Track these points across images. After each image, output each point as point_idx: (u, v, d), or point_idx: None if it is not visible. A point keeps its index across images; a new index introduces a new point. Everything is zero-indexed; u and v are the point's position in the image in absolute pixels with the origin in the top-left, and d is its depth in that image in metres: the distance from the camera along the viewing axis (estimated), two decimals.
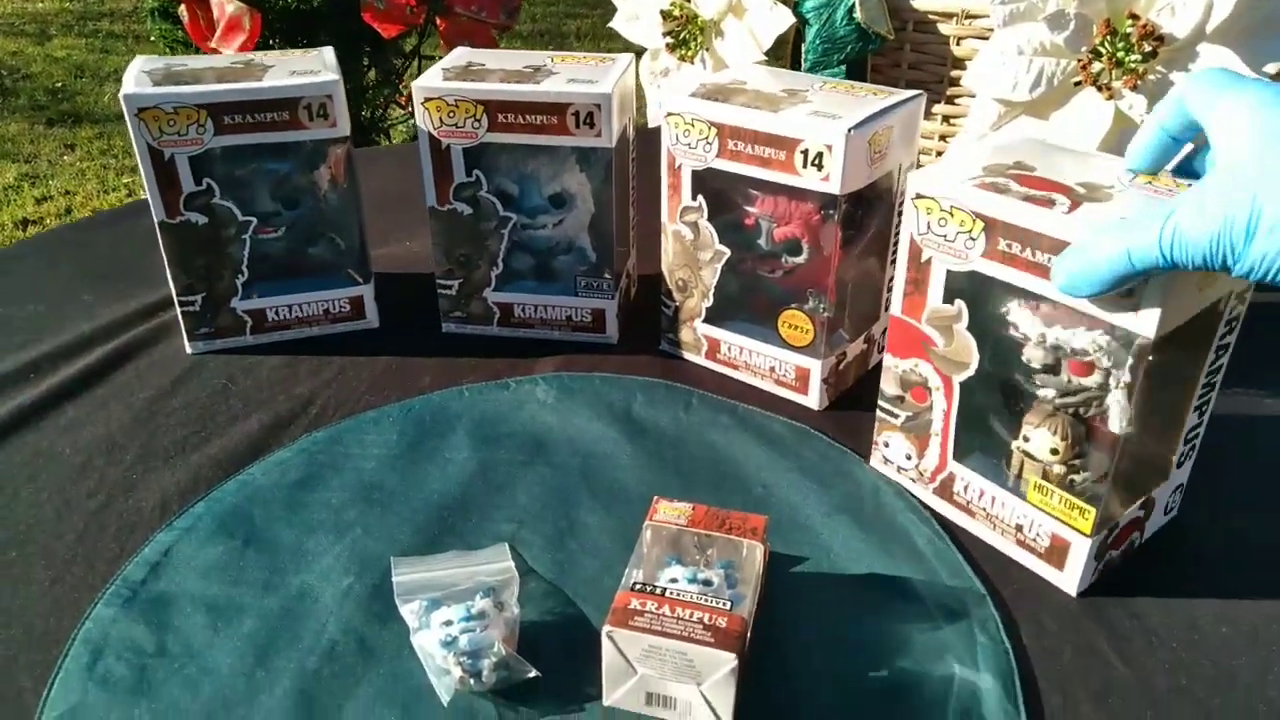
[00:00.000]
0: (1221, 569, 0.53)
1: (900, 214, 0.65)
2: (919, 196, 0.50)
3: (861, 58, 0.76)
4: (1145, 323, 0.44)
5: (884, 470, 0.59)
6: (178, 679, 0.46)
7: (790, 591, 0.51)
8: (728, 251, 0.65)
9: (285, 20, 1.61)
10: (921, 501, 0.57)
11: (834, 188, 0.58)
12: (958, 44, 0.75)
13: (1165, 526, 0.56)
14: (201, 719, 0.45)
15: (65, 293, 0.81)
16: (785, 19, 0.74)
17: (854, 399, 0.68)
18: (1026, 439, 0.52)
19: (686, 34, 0.79)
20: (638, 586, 0.45)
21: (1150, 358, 0.45)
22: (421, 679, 0.46)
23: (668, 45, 0.81)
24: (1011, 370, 0.52)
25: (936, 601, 0.51)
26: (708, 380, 0.69)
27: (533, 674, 0.45)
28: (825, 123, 0.57)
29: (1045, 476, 0.51)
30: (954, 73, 0.76)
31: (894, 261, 0.67)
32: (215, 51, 1.45)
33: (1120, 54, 0.63)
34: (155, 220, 0.67)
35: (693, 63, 0.81)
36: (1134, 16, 0.62)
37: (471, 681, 0.45)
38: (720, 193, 0.64)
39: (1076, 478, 0.50)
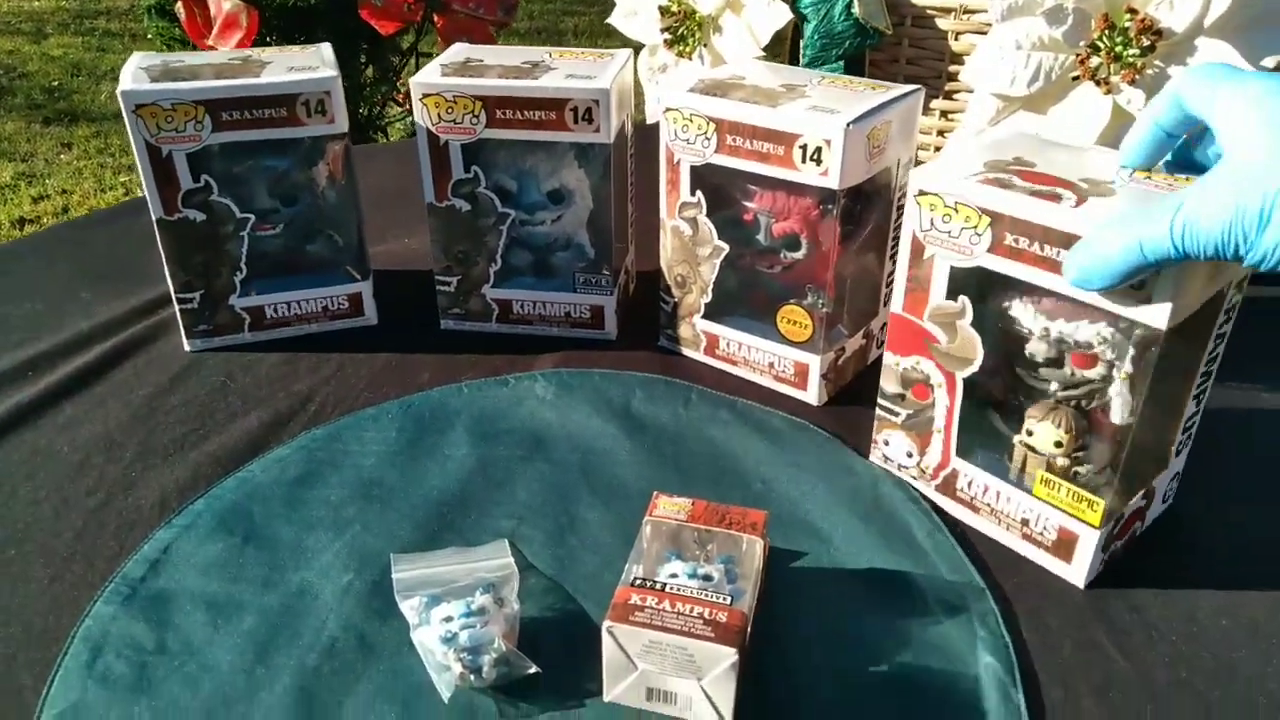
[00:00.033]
0: (1220, 562, 0.53)
1: (899, 209, 0.65)
2: (921, 193, 0.50)
3: (860, 53, 0.76)
4: (1157, 315, 0.44)
5: (885, 467, 0.59)
6: (178, 676, 0.46)
7: (790, 586, 0.51)
8: (726, 247, 0.65)
9: (282, 17, 1.61)
10: (922, 494, 0.57)
11: (833, 183, 0.58)
12: (956, 39, 0.75)
13: (1163, 519, 0.56)
14: (202, 716, 0.45)
15: (63, 291, 0.81)
16: (783, 14, 0.74)
17: (853, 394, 0.68)
18: (1030, 433, 0.52)
19: (684, 30, 0.79)
20: (638, 582, 0.45)
21: (1155, 349, 0.45)
22: (422, 675, 0.46)
23: (666, 41, 0.81)
24: (1012, 364, 0.52)
25: (936, 596, 0.51)
26: (707, 376, 0.69)
27: (533, 670, 0.45)
28: (824, 117, 0.57)
29: (1049, 469, 0.51)
30: (952, 68, 0.76)
31: (893, 257, 0.67)
32: (212, 49, 1.45)
33: (1118, 48, 0.63)
34: (153, 217, 0.67)
35: (690, 59, 0.81)
36: (1132, 11, 0.62)
37: (472, 678, 0.45)
38: (719, 188, 0.64)
39: (1081, 470, 0.50)
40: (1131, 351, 0.46)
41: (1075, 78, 0.65)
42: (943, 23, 0.75)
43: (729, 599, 0.44)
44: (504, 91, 0.65)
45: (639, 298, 0.79)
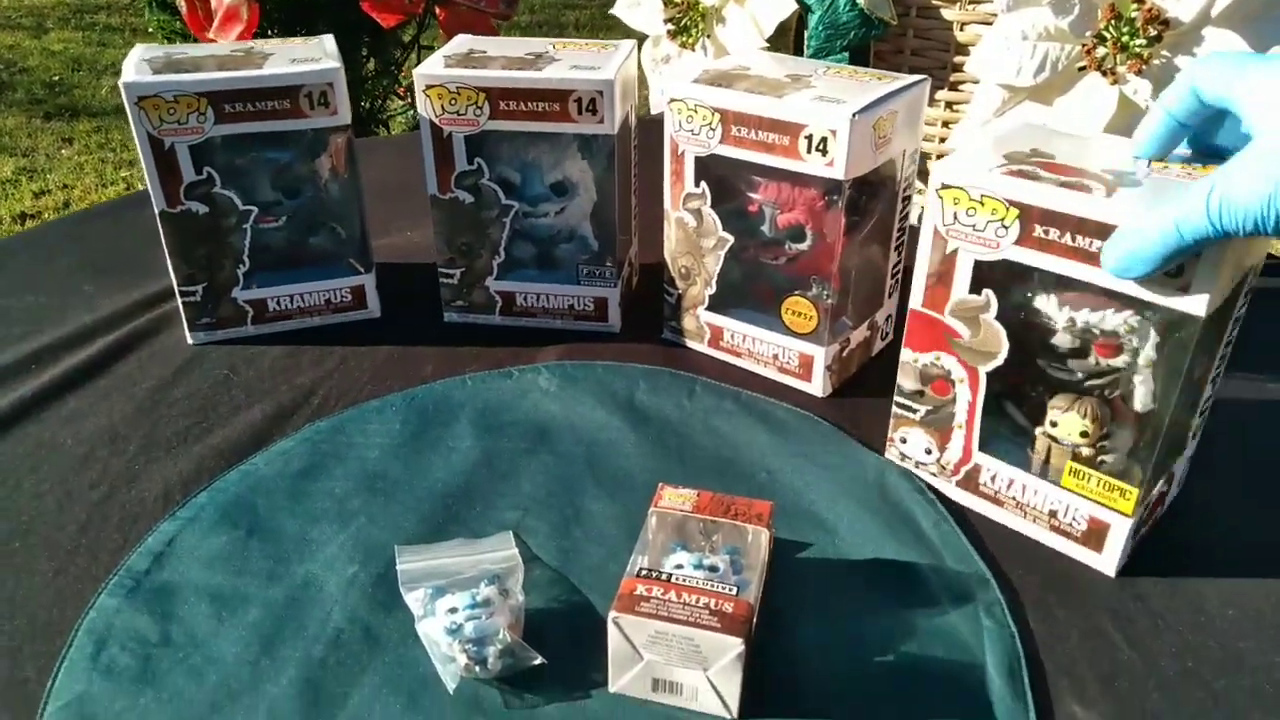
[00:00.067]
0: (1227, 551, 0.53)
1: (905, 200, 0.65)
2: (944, 187, 0.50)
3: (864, 44, 0.76)
4: (1195, 304, 0.44)
5: (902, 465, 0.59)
6: (182, 668, 0.46)
7: (795, 577, 0.51)
8: (731, 238, 0.65)
9: (283, 10, 1.60)
10: (929, 485, 0.57)
11: (838, 173, 0.58)
12: (961, 30, 0.75)
13: (1168, 507, 0.56)
14: (207, 708, 0.44)
15: (65, 284, 0.81)
16: (787, 5, 0.74)
17: (857, 385, 0.68)
18: (1054, 424, 0.51)
19: (688, 20, 0.79)
20: (643, 572, 0.45)
21: (1181, 335, 0.45)
22: (427, 667, 0.46)
23: (669, 32, 0.80)
24: (1033, 356, 0.51)
25: (942, 586, 0.51)
26: (710, 368, 0.69)
27: (538, 661, 0.45)
28: (829, 107, 0.57)
29: (1076, 459, 0.51)
30: (957, 59, 0.76)
31: (898, 248, 0.67)
32: (213, 42, 1.45)
33: (1125, 38, 0.63)
34: (156, 210, 0.67)
35: (694, 50, 0.80)
36: (1139, 1, 0.62)
37: (477, 669, 0.45)
38: (723, 179, 0.64)
39: (1107, 459, 0.50)
40: (1156, 338, 0.46)
41: (1081, 68, 0.65)
42: (948, 13, 0.74)
43: (735, 590, 0.44)
44: (508, 83, 0.65)
45: (643, 290, 0.79)
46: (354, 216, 0.72)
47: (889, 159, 0.61)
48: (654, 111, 0.87)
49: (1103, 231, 0.45)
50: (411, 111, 1.99)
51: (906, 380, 0.56)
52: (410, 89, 1.82)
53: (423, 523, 0.55)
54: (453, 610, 0.46)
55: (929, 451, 0.57)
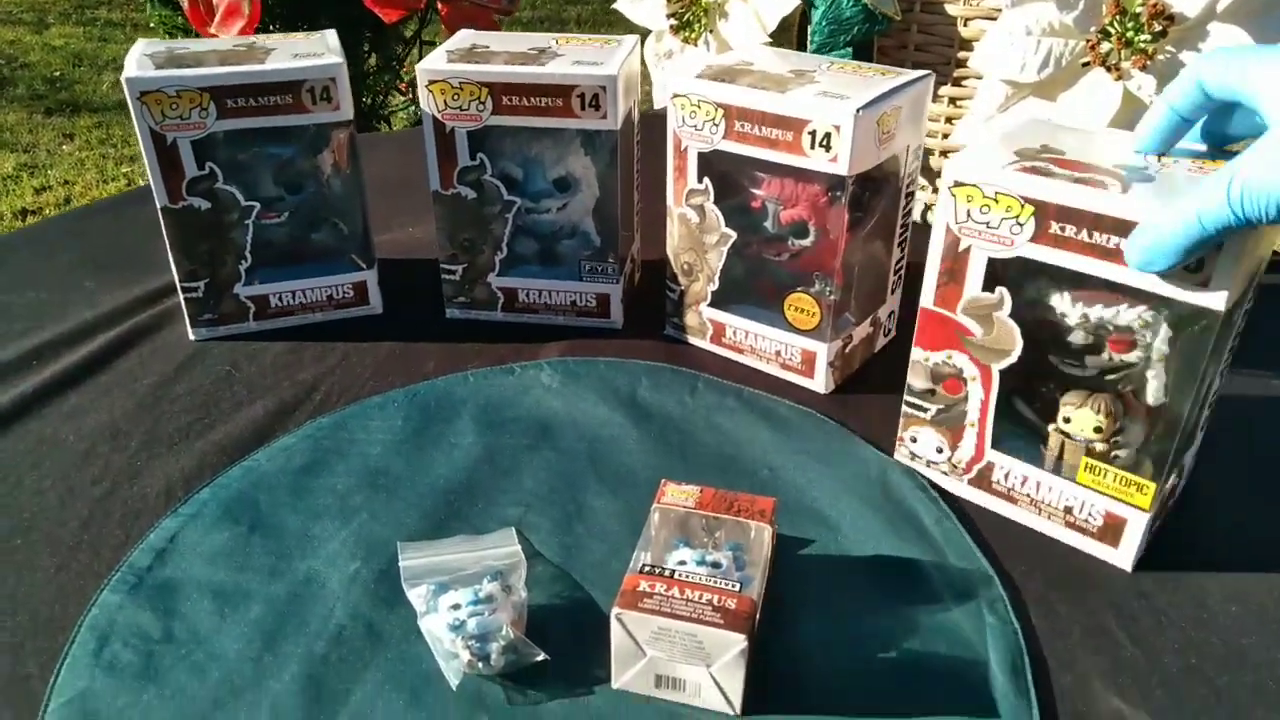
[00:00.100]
0: (1229, 547, 0.53)
1: (908, 196, 0.65)
2: (957, 184, 0.49)
3: (868, 39, 0.76)
4: (1215, 299, 0.44)
5: (911, 465, 0.59)
6: (185, 665, 0.46)
7: (798, 574, 0.51)
8: (734, 235, 0.65)
9: (285, 5, 1.60)
10: (931, 482, 0.57)
11: (842, 169, 0.58)
12: (965, 25, 0.74)
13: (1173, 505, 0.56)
14: (209, 704, 0.44)
15: (67, 280, 0.81)
16: (790, 1, 0.74)
17: (860, 382, 0.67)
18: (1067, 419, 0.51)
19: (690, 16, 0.79)
20: (646, 569, 0.45)
21: (1195, 329, 0.45)
22: (430, 663, 0.46)
23: (671, 27, 0.80)
24: (1045, 352, 0.51)
25: (945, 582, 0.51)
26: (713, 364, 0.69)
27: (541, 657, 0.45)
28: (833, 103, 0.57)
29: (1090, 454, 0.51)
30: (961, 54, 0.76)
31: (901, 244, 0.67)
32: (215, 37, 1.45)
33: (1130, 34, 0.63)
34: (158, 205, 0.67)
35: (696, 45, 0.80)
36: None
37: (480, 665, 0.45)
38: (726, 175, 0.64)
39: (1121, 454, 0.50)
40: (1169, 333, 0.46)
41: (1086, 64, 0.65)
42: (952, 8, 0.74)
43: (738, 586, 0.44)
44: (511, 78, 0.65)
45: (645, 286, 0.79)
46: (356, 212, 0.72)
47: (892, 155, 0.61)
48: (657, 107, 0.87)
49: (1119, 227, 0.45)
50: (413, 107, 1.99)
51: (917, 379, 0.56)
52: (412, 84, 1.82)
53: (425, 519, 0.55)
54: (455, 606, 0.46)
55: (940, 450, 0.57)
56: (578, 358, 0.69)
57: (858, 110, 0.56)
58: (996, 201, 0.48)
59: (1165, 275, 0.45)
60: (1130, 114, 0.64)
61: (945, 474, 0.57)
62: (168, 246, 0.68)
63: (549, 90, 0.65)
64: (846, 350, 0.66)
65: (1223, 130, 0.47)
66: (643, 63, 0.78)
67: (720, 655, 0.42)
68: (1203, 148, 0.48)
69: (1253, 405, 0.64)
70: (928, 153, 0.83)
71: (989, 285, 0.51)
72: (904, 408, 0.57)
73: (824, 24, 0.74)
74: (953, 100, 0.79)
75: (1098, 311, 0.48)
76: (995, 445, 0.54)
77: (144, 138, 0.64)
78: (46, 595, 0.50)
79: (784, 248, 0.64)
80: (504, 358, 0.70)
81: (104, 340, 0.72)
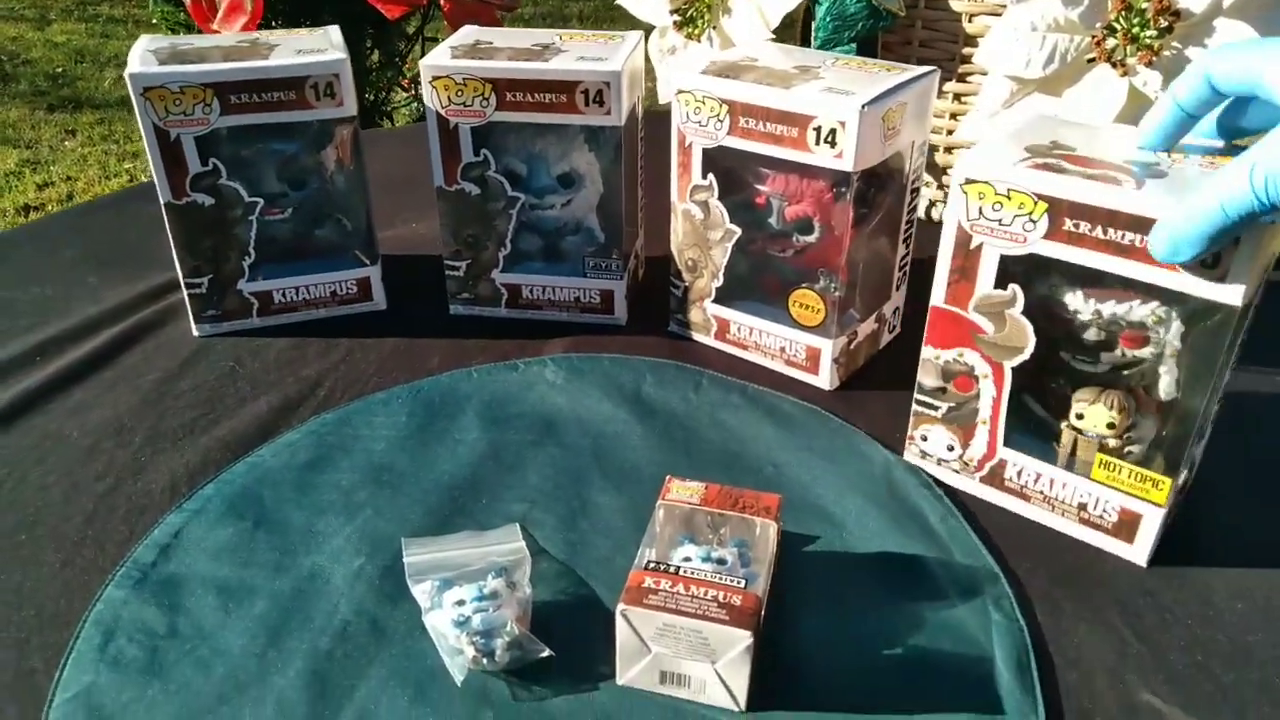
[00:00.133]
0: (1235, 545, 0.53)
1: (913, 192, 0.65)
2: (969, 181, 0.49)
3: (872, 35, 0.76)
4: (1232, 293, 0.44)
5: (921, 463, 0.58)
6: (189, 660, 0.46)
7: (803, 570, 0.51)
8: (738, 231, 0.65)
9: (287, 1, 1.60)
10: (935, 479, 0.57)
11: (847, 165, 0.57)
12: (970, 21, 0.74)
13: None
14: (214, 700, 0.44)
15: (70, 276, 0.81)
16: None
17: (865, 378, 0.67)
18: (1080, 416, 0.51)
19: (694, 12, 0.78)
20: (651, 565, 0.45)
21: (1209, 324, 0.45)
22: (434, 659, 0.46)
23: (675, 23, 0.80)
24: (1056, 349, 0.51)
25: (950, 579, 0.51)
26: (717, 361, 0.69)
27: (546, 653, 0.45)
28: (838, 99, 0.56)
29: (1104, 450, 0.51)
30: (965, 50, 0.75)
31: (906, 240, 0.67)
32: (218, 33, 1.44)
33: (1135, 30, 0.62)
34: (161, 201, 0.67)
35: (700, 41, 0.80)
36: None
37: (484, 661, 0.45)
38: (731, 171, 0.64)
39: (1133, 449, 0.50)
40: (1181, 328, 0.46)
41: (1091, 60, 0.65)
42: (957, 4, 0.74)
43: (743, 582, 0.44)
44: (514, 74, 0.65)
45: (649, 282, 0.79)
46: (360, 208, 0.72)
47: (897, 151, 0.61)
48: (661, 103, 0.87)
49: (1135, 224, 0.45)
50: (416, 104, 1.99)
51: (927, 378, 0.56)
52: (415, 81, 1.82)
53: (429, 515, 0.55)
54: (460, 602, 0.46)
55: (951, 449, 0.56)
56: (582, 354, 0.69)
57: (863, 106, 0.56)
58: (1009, 198, 0.48)
59: (1182, 270, 0.44)
60: (1136, 110, 0.64)
61: (957, 472, 0.57)
62: (171, 242, 0.68)
63: (553, 86, 0.65)
64: (851, 347, 0.66)
65: (1237, 124, 0.47)
66: (646, 59, 0.78)
67: (725, 652, 0.42)
68: (1209, 143, 0.48)
69: (1258, 401, 0.64)
70: (932, 149, 0.83)
71: (1000, 282, 0.51)
72: (914, 406, 0.57)
73: (828, 20, 0.74)
74: (957, 96, 0.78)
75: (1110, 307, 0.48)
76: (1007, 443, 0.54)
77: (147, 134, 0.64)
78: (51, 590, 0.50)
79: (789, 244, 0.64)
80: (508, 354, 0.70)
81: (108, 336, 0.72)
